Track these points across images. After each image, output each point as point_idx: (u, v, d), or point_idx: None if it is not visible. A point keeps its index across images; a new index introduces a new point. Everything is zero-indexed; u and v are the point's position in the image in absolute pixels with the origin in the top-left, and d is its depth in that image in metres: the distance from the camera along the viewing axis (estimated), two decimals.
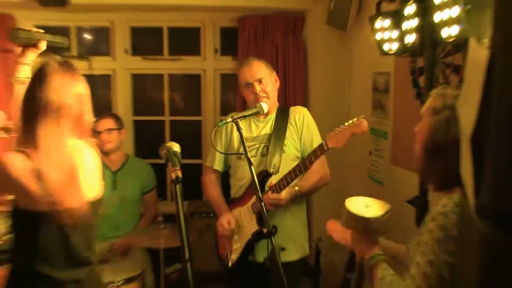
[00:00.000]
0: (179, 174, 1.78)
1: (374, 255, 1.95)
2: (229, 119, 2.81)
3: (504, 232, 0.93)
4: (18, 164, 1.92)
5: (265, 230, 2.68)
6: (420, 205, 2.66)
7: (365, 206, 2.20)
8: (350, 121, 2.82)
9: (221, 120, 2.88)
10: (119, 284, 3.22)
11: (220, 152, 3.28)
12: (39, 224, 1.97)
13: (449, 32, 2.31)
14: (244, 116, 2.90)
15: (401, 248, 2.17)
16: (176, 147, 1.95)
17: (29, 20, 4.28)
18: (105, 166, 3.92)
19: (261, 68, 3.17)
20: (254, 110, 3.00)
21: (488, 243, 0.98)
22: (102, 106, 4.43)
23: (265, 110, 3.04)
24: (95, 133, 3.84)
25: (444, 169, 1.72)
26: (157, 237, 3.35)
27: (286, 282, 2.39)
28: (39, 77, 1.99)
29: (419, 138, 1.86)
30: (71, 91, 2.02)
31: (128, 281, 3.28)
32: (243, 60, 3.33)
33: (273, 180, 3.08)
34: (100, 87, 4.50)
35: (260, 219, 3.05)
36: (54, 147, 1.97)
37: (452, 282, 1.67)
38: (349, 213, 2.10)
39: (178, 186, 1.76)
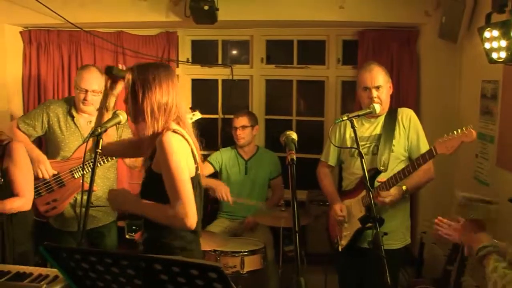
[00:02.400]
0: (294, 156, 1.82)
1: (485, 246, 1.78)
2: (345, 117, 2.79)
3: None
4: (181, 143, 2.08)
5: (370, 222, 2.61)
6: None
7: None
8: (459, 130, 2.66)
9: (338, 118, 2.85)
10: (245, 254, 3.32)
11: (335, 146, 3.24)
12: (199, 185, 2.15)
13: None
14: (358, 116, 2.86)
15: (502, 244, 1.98)
16: (293, 135, 1.97)
17: (187, 36, 4.55)
18: (239, 155, 4.05)
19: (380, 75, 3.06)
20: (368, 110, 2.94)
21: None
22: (241, 105, 4.55)
23: (377, 111, 2.96)
24: (233, 128, 3.99)
25: None
26: (279, 218, 3.41)
27: (386, 263, 2.31)
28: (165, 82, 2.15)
29: None
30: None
31: (252, 252, 3.36)
32: (365, 63, 3.21)
33: (382, 177, 2.99)
34: (240, 90, 4.63)
35: (369, 211, 2.98)
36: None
37: None
38: (463, 200, 1.96)
39: (292, 167, 1.80)
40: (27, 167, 2.91)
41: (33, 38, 4.35)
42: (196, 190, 2.15)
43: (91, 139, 2.25)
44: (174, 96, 2.15)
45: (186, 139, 2.10)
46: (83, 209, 3.23)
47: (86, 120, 3.37)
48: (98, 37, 4.28)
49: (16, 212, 2.83)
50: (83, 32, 4.27)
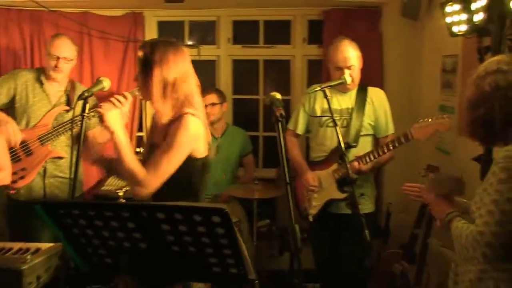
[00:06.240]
0: (283, 112, 1.87)
1: (450, 212, 1.93)
2: (318, 88, 2.87)
3: None
4: (198, 128, 2.13)
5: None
6: (485, 161, 2.57)
7: None
8: (435, 118, 2.79)
9: (311, 89, 2.93)
10: None
11: (310, 115, 3.29)
12: (207, 166, 2.23)
13: None
14: (330, 86, 2.93)
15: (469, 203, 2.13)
16: (278, 95, 2.03)
17: (154, 16, 4.50)
18: (211, 133, 4.07)
19: (352, 53, 3.11)
20: (339, 81, 3.02)
21: None
22: (208, 86, 4.56)
23: (349, 81, 3.04)
24: None
25: None
26: (252, 190, 3.48)
27: (363, 221, 2.41)
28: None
29: None
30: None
31: None
32: (336, 40, 3.21)
33: (355, 152, 3.11)
34: (207, 70, 4.64)
35: (341, 185, 3.12)
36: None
37: None
38: (433, 179, 2.12)
39: (283, 122, 1.86)
40: (1, 140, 2.86)
41: None
42: (205, 168, 2.23)
43: (79, 104, 2.21)
44: (184, 75, 2.16)
45: (202, 123, 2.15)
46: (51, 180, 3.24)
47: (55, 89, 3.34)
48: (63, 16, 4.18)
49: None
50: (46, 12, 4.15)
